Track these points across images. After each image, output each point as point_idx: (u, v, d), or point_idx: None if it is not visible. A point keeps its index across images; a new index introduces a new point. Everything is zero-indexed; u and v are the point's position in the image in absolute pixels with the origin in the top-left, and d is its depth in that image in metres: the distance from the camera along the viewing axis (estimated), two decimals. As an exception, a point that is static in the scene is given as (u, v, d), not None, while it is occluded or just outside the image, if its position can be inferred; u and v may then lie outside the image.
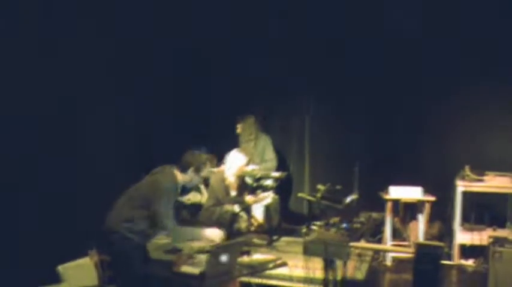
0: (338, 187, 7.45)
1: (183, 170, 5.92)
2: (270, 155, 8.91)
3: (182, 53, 9.35)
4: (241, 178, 8.10)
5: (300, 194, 8.41)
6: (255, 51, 9.38)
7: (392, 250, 7.95)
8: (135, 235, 5.72)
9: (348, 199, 7.21)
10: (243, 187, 8.18)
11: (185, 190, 8.31)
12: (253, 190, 8.50)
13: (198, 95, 9.55)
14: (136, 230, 5.73)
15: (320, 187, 7.53)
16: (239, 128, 8.99)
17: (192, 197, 8.61)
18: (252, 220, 8.41)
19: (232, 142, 8.71)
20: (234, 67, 9.49)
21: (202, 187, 8.63)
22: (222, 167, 8.03)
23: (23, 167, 6.60)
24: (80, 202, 7.06)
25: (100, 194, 6.33)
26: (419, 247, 5.60)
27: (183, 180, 5.95)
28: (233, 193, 7.98)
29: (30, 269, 6.22)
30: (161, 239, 6.77)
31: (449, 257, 7.93)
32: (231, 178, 7.91)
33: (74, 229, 6.69)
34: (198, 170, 5.98)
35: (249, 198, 8.10)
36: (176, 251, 6.00)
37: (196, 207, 8.47)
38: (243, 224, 7.96)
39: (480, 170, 8.05)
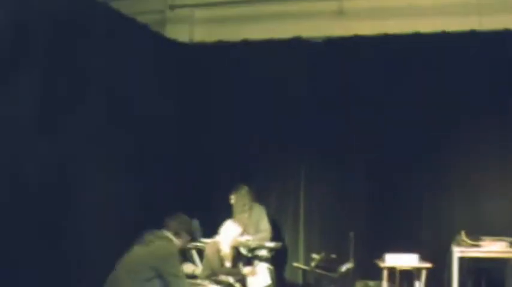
0: (333, 256, 7.42)
1: (176, 234, 5.87)
2: (265, 225, 8.83)
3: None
4: (235, 249, 8.02)
5: (294, 264, 8.34)
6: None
7: (389, 319, 7.84)
8: None
9: (344, 268, 7.18)
10: (238, 258, 8.10)
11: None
12: (248, 261, 8.43)
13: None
14: None
15: (315, 256, 7.49)
16: (233, 199, 8.94)
17: (185, 269, 8.50)
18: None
19: (227, 213, 8.63)
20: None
21: (196, 258, 8.55)
22: (217, 238, 7.97)
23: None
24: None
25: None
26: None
27: (178, 244, 5.89)
28: (228, 264, 7.90)
29: None
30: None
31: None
32: (225, 248, 7.84)
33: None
34: (189, 234, 5.99)
35: (245, 270, 8.02)
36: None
37: (190, 278, 8.36)
38: (238, 296, 7.86)
39: (476, 235, 7.99)
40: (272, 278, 8.43)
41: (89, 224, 7.09)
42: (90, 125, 7.41)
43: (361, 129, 9.06)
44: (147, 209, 8.28)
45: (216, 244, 7.90)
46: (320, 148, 9.25)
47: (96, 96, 7.59)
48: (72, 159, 7.06)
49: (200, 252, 8.40)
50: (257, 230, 8.74)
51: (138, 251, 5.73)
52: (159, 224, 6.14)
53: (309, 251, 8.64)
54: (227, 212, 8.60)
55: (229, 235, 7.88)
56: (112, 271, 5.72)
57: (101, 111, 7.63)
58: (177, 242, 5.87)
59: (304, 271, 7.82)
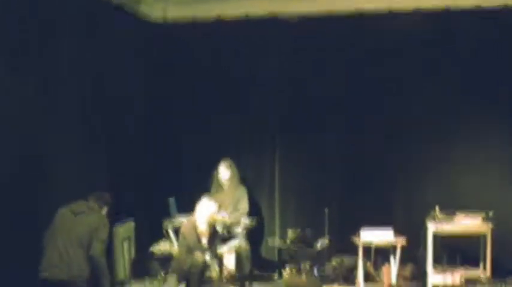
0: (308, 232, 7.44)
1: (101, 207, 6.37)
2: (244, 205, 8.79)
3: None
4: (212, 226, 8.03)
5: (269, 242, 8.36)
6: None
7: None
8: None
9: (319, 243, 7.21)
10: (214, 235, 8.11)
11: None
12: (224, 238, 8.44)
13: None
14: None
15: (290, 232, 7.51)
16: (226, 172, 8.87)
17: (161, 247, 8.50)
18: (224, 269, 8.33)
19: (202, 190, 8.62)
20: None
21: (172, 235, 8.54)
22: (194, 216, 7.96)
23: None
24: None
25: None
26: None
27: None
28: (204, 241, 7.90)
29: None
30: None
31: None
32: (202, 225, 7.84)
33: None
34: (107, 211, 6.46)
35: (221, 249, 8.04)
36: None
37: (167, 257, 8.36)
38: (214, 273, 7.88)
39: (450, 210, 8.06)
40: (248, 255, 8.48)
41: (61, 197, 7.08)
42: (62, 102, 7.41)
43: (336, 106, 9.10)
44: (120, 190, 8.31)
45: (192, 221, 7.89)
46: (295, 124, 9.28)
47: (69, 75, 7.55)
48: (44, 132, 7.05)
49: (176, 230, 8.38)
50: (235, 209, 8.74)
51: (67, 222, 6.14)
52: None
53: (284, 226, 8.68)
54: (203, 189, 8.58)
55: (205, 212, 7.87)
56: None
57: (73, 89, 7.61)
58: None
59: (279, 247, 7.85)
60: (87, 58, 7.85)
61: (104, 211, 6.43)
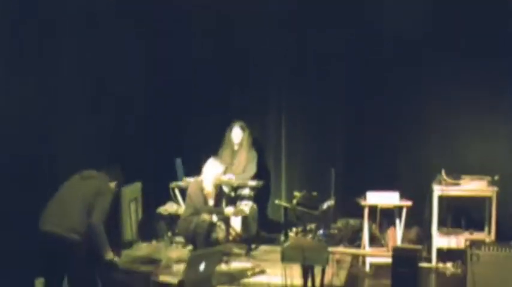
0: (314, 193, 7.46)
1: (111, 180, 6.40)
2: (252, 169, 8.81)
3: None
4: (218, 187, 8.08)
5: (276, 201, 8.41)
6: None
7: (370, 254, 7.93)
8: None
9: (325, 205, 7.24)
10: (221, 196, 8.16)
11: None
12: (231, 199, 8.49)
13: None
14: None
15: (296, 193, 7.54)
16: (238, 133, 8.84)
17: (168, 208, 8.56)
18: (230, 230, 8.40)
19: (209, 151, 8.65)
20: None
21: (179, 197, 8.60)
22: (200, 177, 8.01)
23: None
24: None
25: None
26: (397, 251, 5.61)
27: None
28: (211, 202, 7.96)
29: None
30: (138, 250, 6.77)
31: (427, 261, 7.92)
32: (208, 187, 7.89)
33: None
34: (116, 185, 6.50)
35: (227, 210, 8.09)
36: (154, 262, 6.01)
37: (173, 218, 8.43)
38: (220, 234, 7.93)
39: (456, 173, 8.07)
40: (254, 217, 8.53)
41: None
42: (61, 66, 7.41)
43: (344, 67, 9.05)
44: (127, 152, 8.37)
45: (198, 182, 7.94)
46: (300, 87, 9.26)
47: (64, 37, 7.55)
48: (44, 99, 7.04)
49: (183, 191, 8.43)
50: (243, 171, 8.77)
51: (83, 183, 6.20)
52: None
53: (290, 189, 8.72)
54: (210, 151, 8.61)
55: (211, 173, 7.92)
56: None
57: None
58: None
59: (285, 208, 7.89)
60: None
61: (113, 184, 6.46)
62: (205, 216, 7.72)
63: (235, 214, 8.28)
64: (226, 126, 8.88)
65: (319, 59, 9.16)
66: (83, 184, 6.18)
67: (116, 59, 8.35)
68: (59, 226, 5.88)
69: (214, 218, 7.91)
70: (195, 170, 8.30)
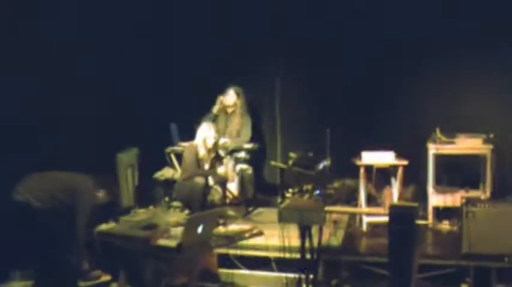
0: (310, 154, 7.48)
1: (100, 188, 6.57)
2: (246, 133, 8.81)
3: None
4: (214, 151, 8.08)
5: (272, 163, 8.43)
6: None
7: (367, 212, 7.97)
8: None
9: (321, 165, 7.26)
10: (216, 160, 8.17)
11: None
12: (226, 163, 8.50)
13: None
14: None
15: (292, 154, 7.55)
16: (232, 96, 8.80)
17: (165, 173, 8.58)
18: (227, 193, 8.42)
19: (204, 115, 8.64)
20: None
21: (175, 161, 8.61)
22: (195, 141, 8.01)
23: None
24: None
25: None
26: (394, 208, 5.63)
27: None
28: (206, 167, 7.97)
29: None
30: (136, 216, 6.79)
31: (423, 220, 7.97)
32: (202, 150, 7.89)
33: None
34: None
35: (220, 170, 8.10)
36: (152, 227, 6.03)
37: (170, 183, 8.45)
38: (216, 197, 7.96)
39: (451, 132, 8.09)
40: (251, 180, 8.56)
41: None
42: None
43: (338, 25, 9.00)
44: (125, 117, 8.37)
45: (193, 147, 7.95)
46: (296, 43, 9.20)
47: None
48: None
49: (179, 156, 8.44)
50: (237, 135, 8.77)
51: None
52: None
53: (286, 151, 8.74)
54: (205, 115, 8.61)
55: (206, 137, 7.91)
56: None
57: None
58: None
59: (282, 170, 7.91)
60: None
61: (102, 193, 6.63)
62: (199, 179, 7.73)
63: (231, 176, 8.28)
64: (222, 90, 8.85)
65: (315, 22, 9.10)
66: (71, 175, 6.40)
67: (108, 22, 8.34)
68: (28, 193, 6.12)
69: (211, 181, 7.93)
70: (191, 134, 8.30)
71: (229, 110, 8.80)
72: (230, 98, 8.77)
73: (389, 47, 8.79)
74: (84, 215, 6.29)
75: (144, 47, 9.22)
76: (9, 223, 6.26)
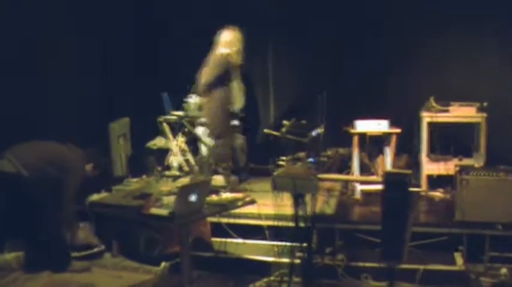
0: (303, 122, 7.44)
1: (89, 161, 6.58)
2: (241, 102, 8.70)
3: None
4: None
5: (265, 130, 8.37)
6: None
7: (360, 180, 7.96)
8: None
9: (314, 133, 7.22)
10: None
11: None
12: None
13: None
14: None
15: (285, 122, 7.51)
16: (228, 37, 8.23)
17: (157, 142, 8.54)
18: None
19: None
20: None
21: (168, 131, 8.56)
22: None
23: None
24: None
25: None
26: (388, 176, 5.59)
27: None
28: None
29: None
30: (129, 186, 6.77)
31: (417, 188, 7.96)
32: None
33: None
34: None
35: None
36: (145, 196, 6.00)
37: (162, 152, 8.41)
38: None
39: (445, 100, 8.06)
40: (243, 148, 8.52)
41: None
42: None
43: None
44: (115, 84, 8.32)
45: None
46: (289, 11, 9.13)
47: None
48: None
49: (171, 125, 8.39)
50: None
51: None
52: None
53: (279, 119, 8.68)
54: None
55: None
56: None
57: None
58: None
59: (275, 137, 7.86)
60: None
61: (90, 166, 6.60)
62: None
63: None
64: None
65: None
66: (55, 146, 6.38)
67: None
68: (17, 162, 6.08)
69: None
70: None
71: (224, 49, 8.52)
72: (228, 35, 8.44)
73: (383, 15, 8.74)
74: (71, 188, 6.25)
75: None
76: None
